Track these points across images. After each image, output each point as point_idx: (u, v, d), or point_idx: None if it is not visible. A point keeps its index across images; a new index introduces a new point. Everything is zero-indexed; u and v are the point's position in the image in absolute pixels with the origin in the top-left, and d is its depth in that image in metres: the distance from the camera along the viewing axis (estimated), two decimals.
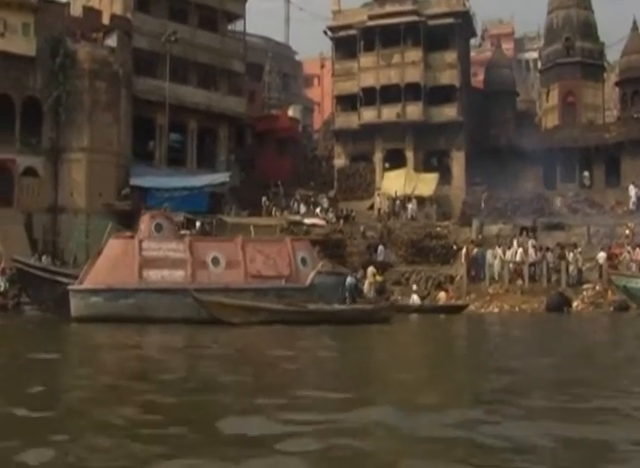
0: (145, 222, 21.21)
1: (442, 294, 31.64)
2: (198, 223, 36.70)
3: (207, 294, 18.51)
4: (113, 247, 20.86)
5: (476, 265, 33.62)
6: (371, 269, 32.15)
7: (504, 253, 33.44)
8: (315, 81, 70.17)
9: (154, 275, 20.13)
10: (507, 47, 66.82)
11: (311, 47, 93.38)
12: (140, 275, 20.10)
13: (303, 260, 21.47)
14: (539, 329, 18.84)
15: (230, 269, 20.66)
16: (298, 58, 70.76)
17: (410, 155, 45.45)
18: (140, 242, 20.55)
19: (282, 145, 51.08)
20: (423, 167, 45.59)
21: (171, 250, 20.55)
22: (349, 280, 31.40)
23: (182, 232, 34.89)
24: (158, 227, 21.00)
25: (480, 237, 36.94)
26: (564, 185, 45.56)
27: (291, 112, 57.15)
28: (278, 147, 50.86)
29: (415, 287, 31.90)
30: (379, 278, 31.89)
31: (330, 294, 21.01)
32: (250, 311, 17.91)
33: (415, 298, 30.45)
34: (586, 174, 45.58)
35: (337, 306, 19.85)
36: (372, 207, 44.30)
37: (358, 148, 47.08)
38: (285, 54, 65.62)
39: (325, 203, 43.66)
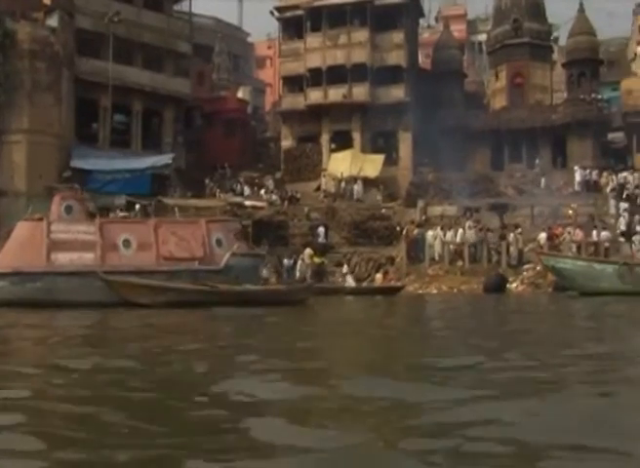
0: (55, 204, 20.71)
1: (378, 276, 31.47)
2: (137, 206, 36.11)
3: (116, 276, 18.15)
4: (21, 229, 20.31)
5: (416, 246, 33.48)
6: (308, 251, 31.93)
7: (445, 234, 33.35)
8: (268, 63, 69.62)
9: (63, 258, 19.59)
10: (460, 28, 66.57)
11: (266, 29, 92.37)
12: (49, 258, 19.56)
13: (219, 242, 21.04)
14: (450, 312, 18.61)
15: (142, 251, 20.21)
16: (251, 39, 70.25)
17: (357, 136, 45.16)
18: (49, 224, 20.01)
19: (230, 127, 50.49)
20: (371, 148, 45.33)
21: (80, 232, 20.01)
22: (286, 262, 31.41)
23: (122, 215, 34.69)
24: (68, 209, 20.49)
25: (424, 218, 36.82)
26: (511, 166, 45.61)
27: (240, 94, 56.58)
28: (226, 129, 50.29)
29: (345, 268, 31.68)
30: (316, 260, 31.63)
31: (247, 276, 20.64)
32: (157, 291, 17.57)
33: (349, 280, 30.32)
34: (538, 161, 45.36)
35: (248, 287, 19.51)
36: (319, 188, 44.01)
37: (305, 129, 46.71)
38: (236, 35, 64.90)
39: (270, 185, 43.27)
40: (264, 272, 31.00)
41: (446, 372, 5.92)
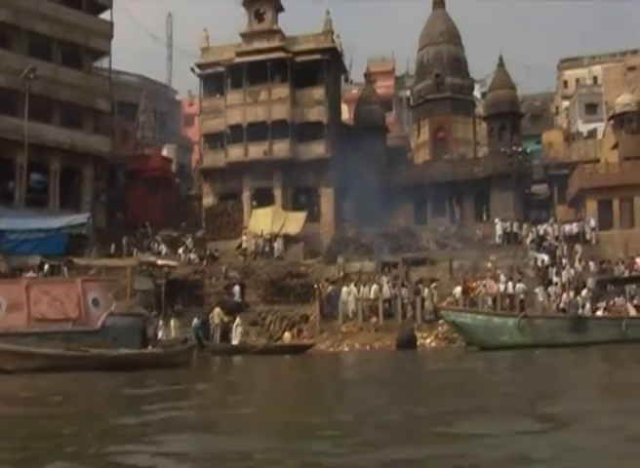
0: None
1: (286, 335, 30.79)
2: (46, 266, 35.11)
3: None
4: None
5: (330, 303, 32.91)
6: (217, 310, 31.16)
7: (359, 291, 32.84)
8: (196, 120, 69.20)
9: None
10: (387, 84, 67.03)
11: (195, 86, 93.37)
12: None
13: (95, 302, 20.23)
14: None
15: (12, 312, 19.33)
16: (179, 97, 70.03)
17: (278, 193, 44.71)
18: None
19: (153, 185, 49.84)
20: (292, 205, 44.90)
21: None
22: (194, 321, 30.57)
23: (29, 275, 33.63)
24: None
25: (342, 274, 36.32)
26: (434, 220, 45.44)
27: (165, 152, 56.12)
28: (149, 187, 49.64)
29: (237, 320, 30.87)
30: (225, 319, 30.87)
31: (125, 337, 19.80)
32: (24, 357, 16.64)
33: (237, 334, 29.82)
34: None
35: (123, 350, 18.63)
36: (240, 246, 43.25)
37: (226, 187, 46.14)
38: (163, 92, 64.64)
39: (189, 243, 42.48)
40: (172, 332, 30.28)
41: None
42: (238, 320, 30.50)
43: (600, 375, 13.92)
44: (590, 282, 32.11)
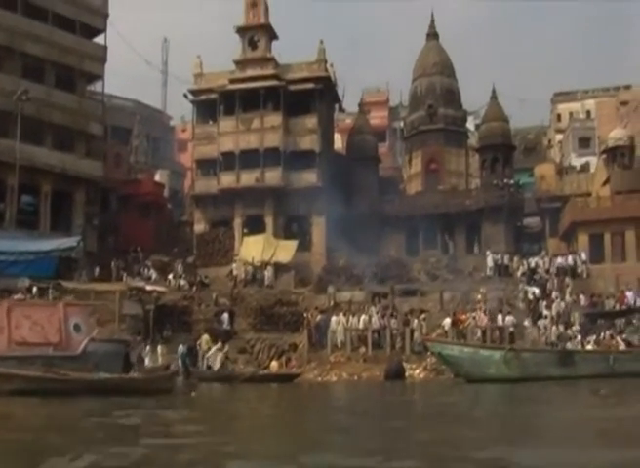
0: None
1: (273, 364, 30.56)
2: (35, 289, 34.87)
3: None
4: None
5: (319, 332, 32.70)
6: (205, 337, 30.88)
7: (348, 320, 32.66)
8: (189, 146, 69.28)
9: None
10: (382, 115, 67.33)
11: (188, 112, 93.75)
12: None
13: (77, 327, 19.95)
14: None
15: None
16: (173, 123, 70.13)
17: (269, 221, 44.71)
18: None
19: (145, 210, 49.77)
20: (284, 233, 44.85)
21: None
22: (180, 348, 30.25)
23: (17, 297, 33.37)
24: None
25: (332, 303, 36.13)
26: (426, 251, 45.35)
27: (158, 177, 56.03)
28: (141, 212, 49.57)
29: (219, 345, 30.37)
30: (212, 346, 30.60)
31: (107, 363, 19.51)
32: (2, 379, 16.43)
33: (217, 359, 29.48)
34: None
35: (102, 375, 18.40)
36: (231, 273, 43.09)
37: (218, 214, 46.16)
38: (157, 118, 64.73)
39: (179, 269, 42.29)
40: (159, 359, 29.96)
41: None
42: (219, 344, 30.11)
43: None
44: (576, 315, 32.08)
